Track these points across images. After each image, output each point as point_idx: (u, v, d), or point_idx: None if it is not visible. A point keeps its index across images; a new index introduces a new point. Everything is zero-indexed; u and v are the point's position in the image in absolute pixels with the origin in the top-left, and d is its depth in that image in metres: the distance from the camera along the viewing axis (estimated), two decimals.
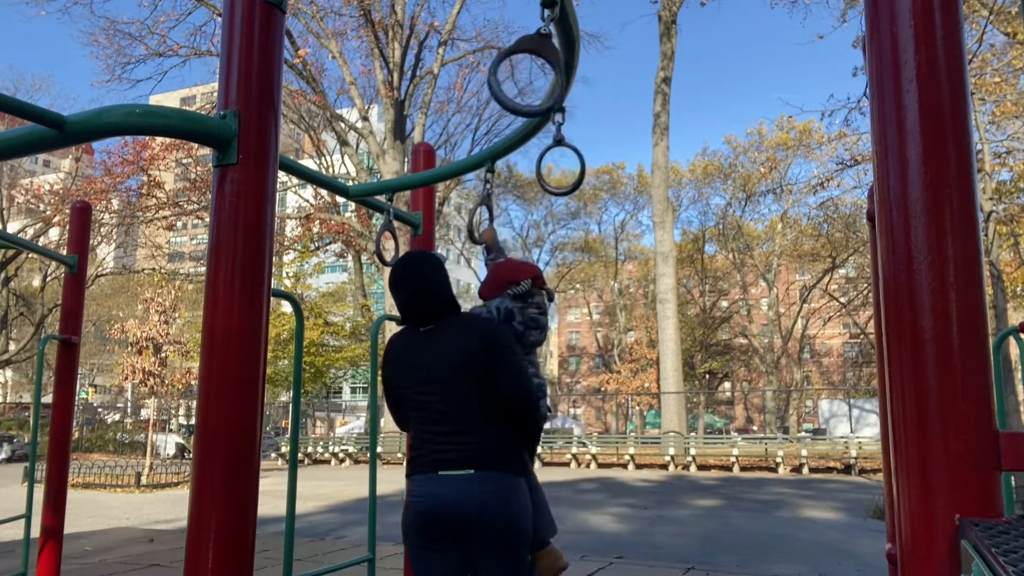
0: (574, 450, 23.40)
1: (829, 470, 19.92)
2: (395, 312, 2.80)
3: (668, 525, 9.94)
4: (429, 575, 2.40)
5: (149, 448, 18.35)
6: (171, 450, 27.41)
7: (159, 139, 21.83)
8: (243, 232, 1.57)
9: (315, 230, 28.22)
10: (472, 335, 2.42)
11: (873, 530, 9.06)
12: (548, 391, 2.95)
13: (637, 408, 43.43)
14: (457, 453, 2.35)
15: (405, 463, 2.55)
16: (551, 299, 2.83)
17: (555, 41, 1.85)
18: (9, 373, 44.20)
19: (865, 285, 36.32)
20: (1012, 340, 3.80)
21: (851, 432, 24.13)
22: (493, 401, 2.36)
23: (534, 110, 1.85)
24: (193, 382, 18.93)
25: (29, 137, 1.52)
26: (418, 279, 2.51)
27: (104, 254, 38.40)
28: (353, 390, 55.16)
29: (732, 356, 47.64)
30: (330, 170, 30.88)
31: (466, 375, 2.37)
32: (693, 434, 26.51)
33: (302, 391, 3.43)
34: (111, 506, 12.82)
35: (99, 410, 43.22)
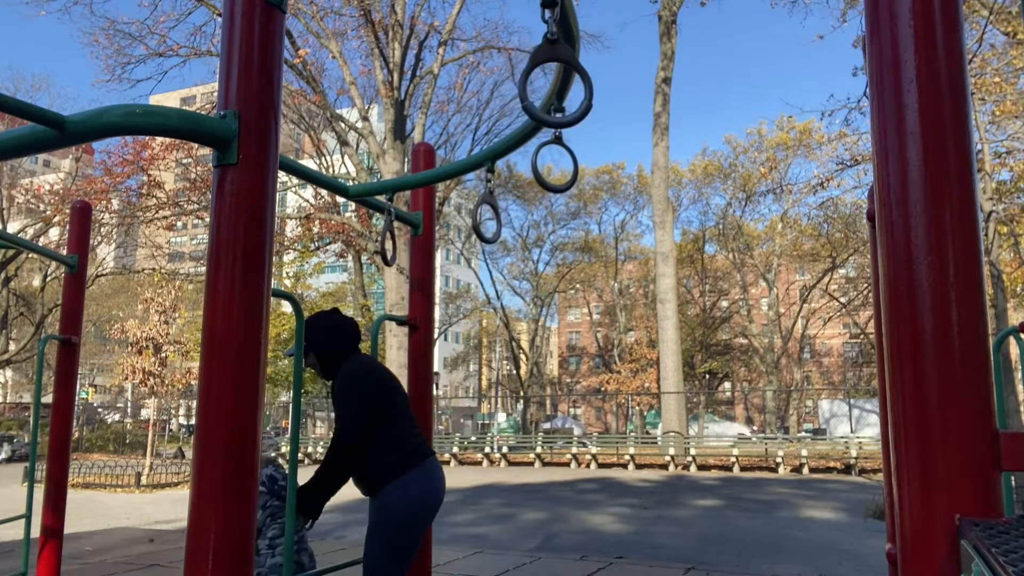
0: (574, 450, 23.40)
1: (829, 470, 19.92)
2: (395, 312, 3.01)
3: (668, 525, 9.94)
4: (414, 554, 2.92)
5: (149, 448, 18.35)
6: None
7: (159, 139, 21.82)
8: (243, 232, 1.57)
9: (315, 230, 28.18)
10: None
11: (873, 530, 9.06)
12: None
13: (637, 408, 43.40)
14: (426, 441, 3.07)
15: (386, 463, 2.91)
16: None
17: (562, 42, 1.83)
18: (9, 373, 44.20)
19: (865, 285, 36.31)
20: (1012, 340, 3.79)
21: (851, 432, 24.13)
22: None
23: (573, 118, 1.84)
24: (193, 382, 18.92)
25: (29, 137, 1.52)
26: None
27: (104, 254, 38.38)
28: None
29: (732, 356, 47.61)
30: (330, 170, 30.85)
31: None
32: (693, 433, 26.51)
33: (302, 391, 3.46)
34: (111, 506, 12.82)
35: (99, 410, 43.23)
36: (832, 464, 20.42)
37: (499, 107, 28.76)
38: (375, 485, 2.95)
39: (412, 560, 2.94)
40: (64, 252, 4.09)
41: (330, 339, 3.13)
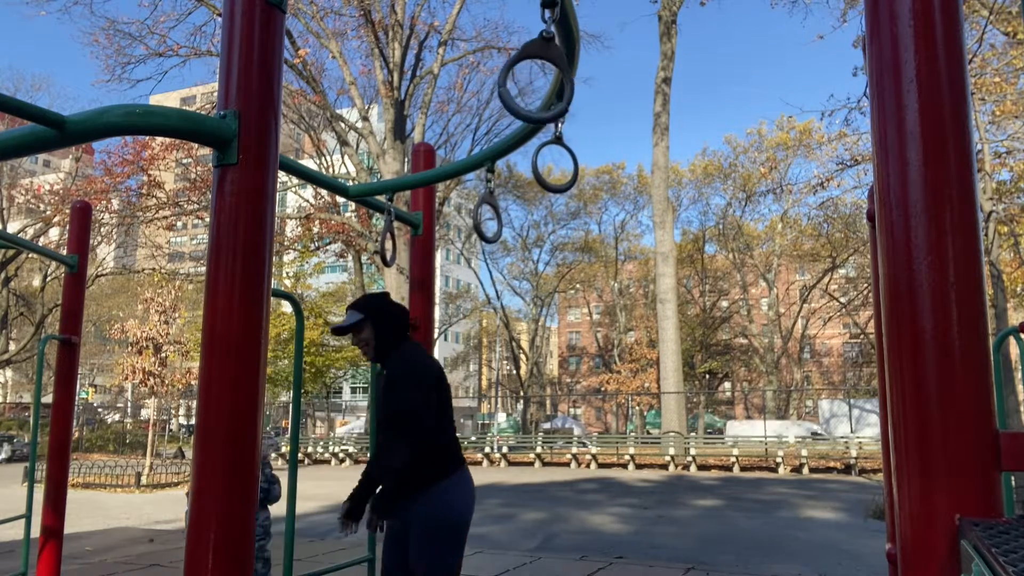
0: (574, 450, 23.40)
1: (829, 470, 19.92)
2: None
3: (668, 525, 9.94)
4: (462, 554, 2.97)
5: (149, 448, 18.35)
6: None
7: (159, 139, 21.81)
8: (243, 232, 1.57)
9: (315, 230, 28.18)
10: None
11: (873, 530, 9.06)
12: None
13: (637, 408, 43.40)
14: None
15: (435, 462, 2.91)
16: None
17: (556, 42, 1.84)
18: (9, 373, 44.20)
19: (865, 285, 36.30)
20: (1012, 340, 3.80)
21: (851, 432, 24.12)
22: None
23: (546, 117, 1.84)
24: (193, 382, 18.93)
25: (29, 137, 1.52)
26: None
27: (104, 254, 38.38)
28: (353, 390, 55.13)
29: (732, 356, 47.59)
30: (330, 170, 30.83)
31: None
32: (693, 434, 26.49)
33: (302, 391, 3.45)
34: (111, 506, 12.82)
35: (99, 410, 43.25)
36: (832, 464, 20.42)
37: (499, 107, 28.73)
38: (421, 483, 2.87)
39: (461, 564, 2.94)
40: (64, 252, 4.09)
41: (393, 321, 3.07)
